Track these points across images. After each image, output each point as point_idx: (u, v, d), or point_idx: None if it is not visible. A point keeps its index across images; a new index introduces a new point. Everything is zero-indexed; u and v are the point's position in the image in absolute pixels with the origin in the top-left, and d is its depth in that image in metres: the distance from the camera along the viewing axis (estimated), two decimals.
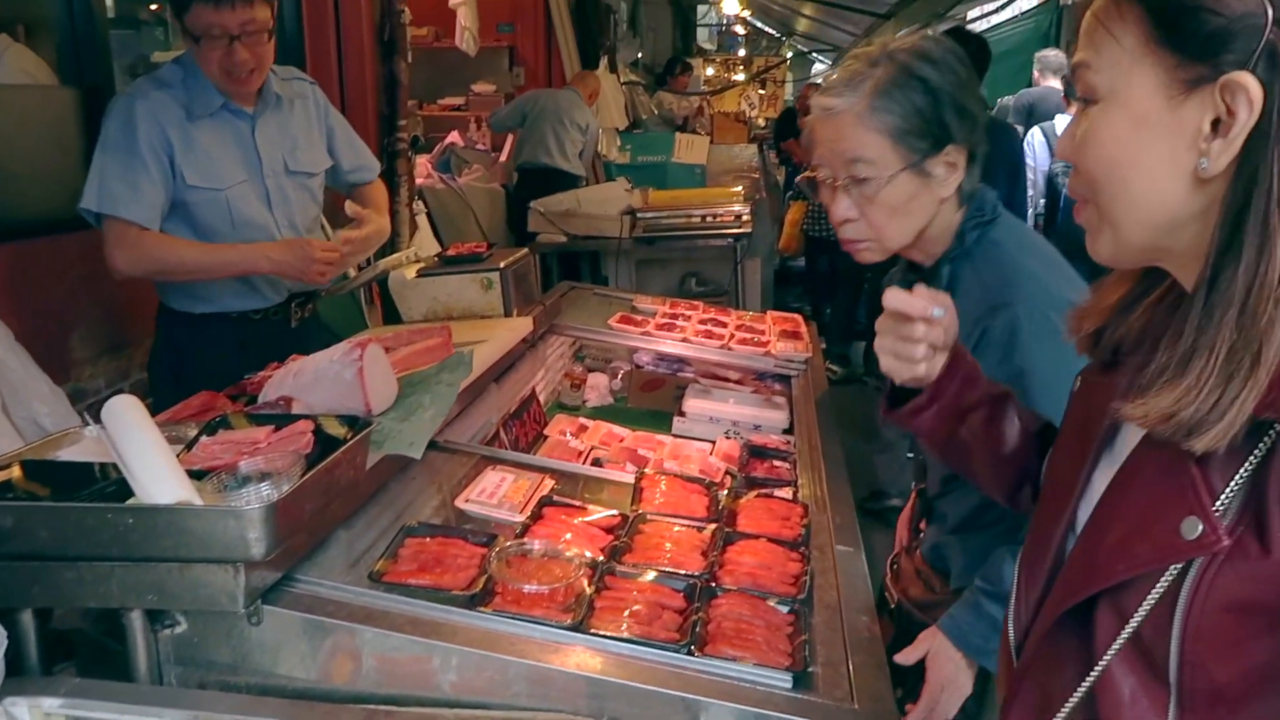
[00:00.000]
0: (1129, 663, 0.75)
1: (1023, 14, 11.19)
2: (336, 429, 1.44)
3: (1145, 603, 0.73)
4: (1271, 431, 0.68)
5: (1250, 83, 0.69)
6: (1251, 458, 0.69)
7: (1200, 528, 0.69)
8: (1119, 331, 0.89)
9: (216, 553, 1.17)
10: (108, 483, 1.28)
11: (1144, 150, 0.75)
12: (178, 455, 1.39)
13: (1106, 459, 0.86)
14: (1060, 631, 0.81)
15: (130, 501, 1.20)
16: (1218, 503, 0.70)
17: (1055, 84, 6.03)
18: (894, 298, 1.07)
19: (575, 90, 6.22)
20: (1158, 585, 0.72)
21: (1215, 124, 0.72)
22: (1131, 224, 0.78)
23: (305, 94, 2.50)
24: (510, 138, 6.51)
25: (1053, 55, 6.26)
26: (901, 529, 1.78)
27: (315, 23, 3.51)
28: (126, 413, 1.29)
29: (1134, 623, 0.74)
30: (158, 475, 1.21)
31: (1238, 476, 0.70)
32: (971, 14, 10.81)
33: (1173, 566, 0.71)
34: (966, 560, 1.49)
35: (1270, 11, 0.68)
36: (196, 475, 1.29)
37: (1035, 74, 6.25)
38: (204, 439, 1.44)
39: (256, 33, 2.18)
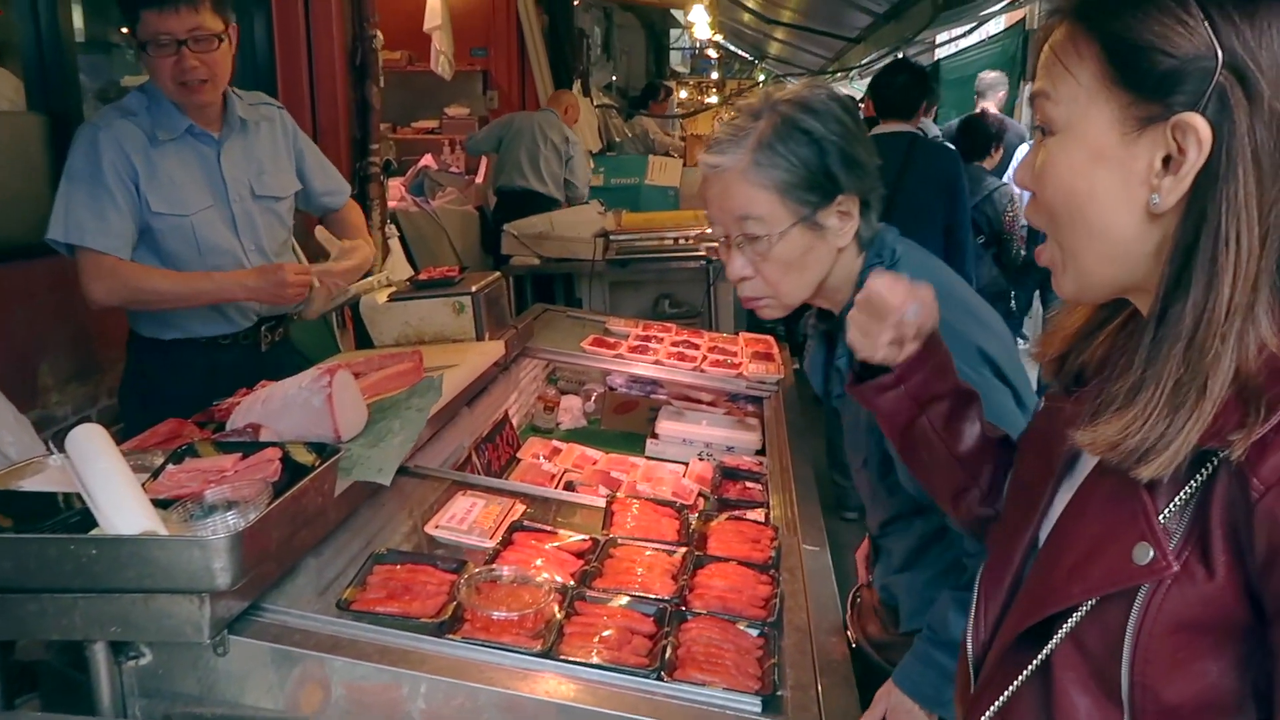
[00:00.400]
0: (1083, 684, 0.76)
1: (990, 38, 11.36)
2: (304, 456, 1.44)
3: (1095, 624, 0.75)
4: (1214, 459, 0.70)
5: (1200, 124, 0.71)
6: (1192, 483, 0.71)
7: (1151, 553, 0.71)
8: (1082, 358, 0.91)
9: (181, 583, 1.16)
10: (71, 513, 1.27)
11: (1099, 184, 0.77)
12: (143, 484, 1.38)
13: (1068, 481, 0.88)
14: (1018, 652, 0.82)
15: (94, 532, 1.19)
16: (1160, 521, 0.71)
17: (990, 106, 6.13)
18: (876, 282, 1.08)
19: (552, 110, 6.24)
20: (1109, 608, 0.74)
21: (1167, 161, 0.74)
22: (1090, 256, 0.80)
23: (272, 117, 2.50)
24: (485, 160, 6.52)
25: (987, 79, 6.38)
26: (860, 563, 1.77)
27: (286, 47, 3.51)
28: (90, 442, 1.28)
29: (1068, 630, 0.76)
30: (122, 505, 1.20)
31: (1182, 502, 0.71)
32: (940, 38, 10.98)
33: (1123, 590, 0.73)
34: (912, 601, 1.48)
35: (1220, 55, 0.70)
36: (162, 504, 1.28)
37: (975, 98, 6.36)
38: (170, 467, 1.43)
39: (205, 39, 2.17)
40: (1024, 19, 10.64)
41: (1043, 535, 0.88)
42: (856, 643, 1.63)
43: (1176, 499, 0.71)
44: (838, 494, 4.25)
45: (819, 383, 1.56)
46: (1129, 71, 0.74)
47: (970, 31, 10.63)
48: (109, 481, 1.22)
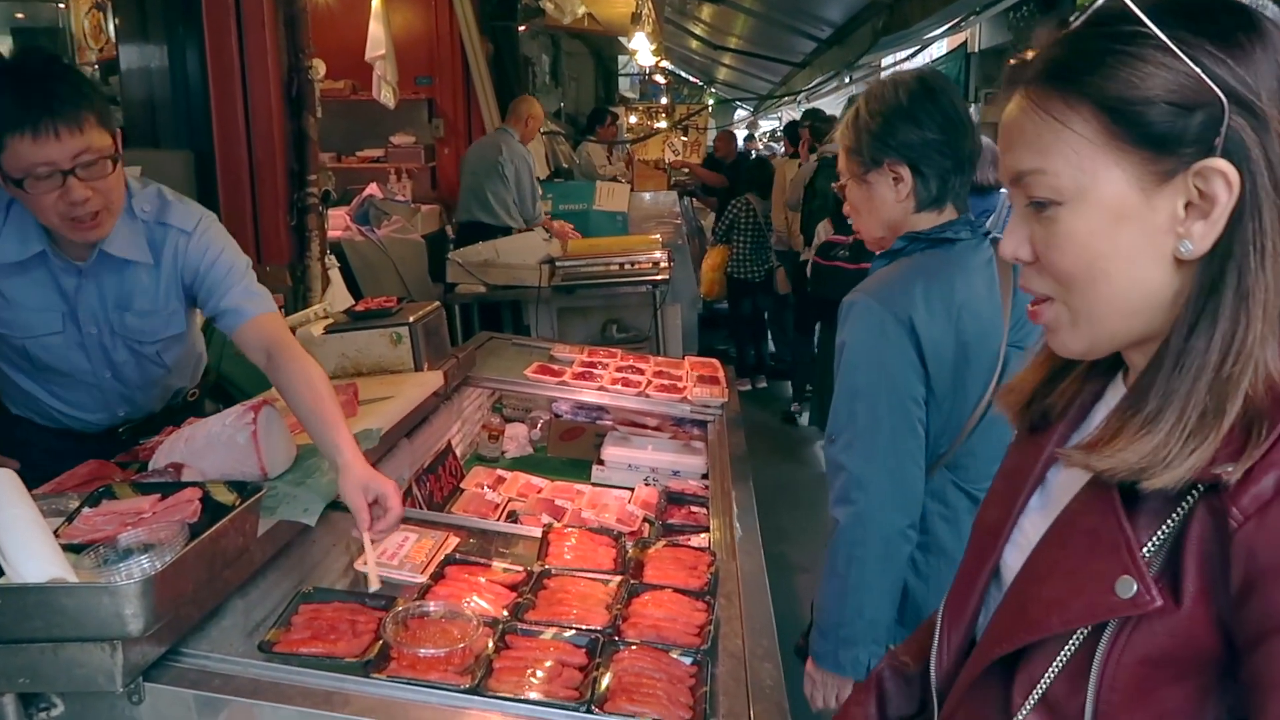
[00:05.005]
0: (1043, 715, 0.76)
1: (934, 60, 11.59)
2: (225, 496, 1.40)
3: (1059, 658, 0.74)
4: (1194, 492, 0.70)
5: (1226, 168, 0.70)
6: (1173, 517, 0.71)
7: (1135, 587, 0.70)
8: (1048, 400, 0.91)
9: (91, 631, 1.13)
10: None
11: (1125, 242, 0.75)
12: (57, 529, 1.34)
13: (1034, 509, 0.88)
14: (985, 681, 0.82)
15: None
16: (1143, 555, 0.71)
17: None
18: None
19: (507, 129, 6.09)
20: (1073, 640, 0.74)
21: (1187, 206, 0.73)
22: (1112, 314, 0.78)
23: (172, 248, 1.94)
24: None
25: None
26: None
27: (221, 82, 3.46)
28: None
29: (1047, 678, 0.75)
30: (29, 552, 1.16)
31: (1163, 536, 0.71)
32: (885, 61, 11.17)
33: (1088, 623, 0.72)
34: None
35: (1224, 97, 0.69)
36: (75, 549, 1.25)
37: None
38: (86, 510, 1.40)
39: (96, 162, 1.69)
40: (965, 42, 10.88)
41: (1007, 559, 0.88)
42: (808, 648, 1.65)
43: (1158, 533, 0.71)
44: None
45: None
46: (1136, 129, 0.73)
47: (914, 55, 10.82)
48: (16, 528, 1.19)
